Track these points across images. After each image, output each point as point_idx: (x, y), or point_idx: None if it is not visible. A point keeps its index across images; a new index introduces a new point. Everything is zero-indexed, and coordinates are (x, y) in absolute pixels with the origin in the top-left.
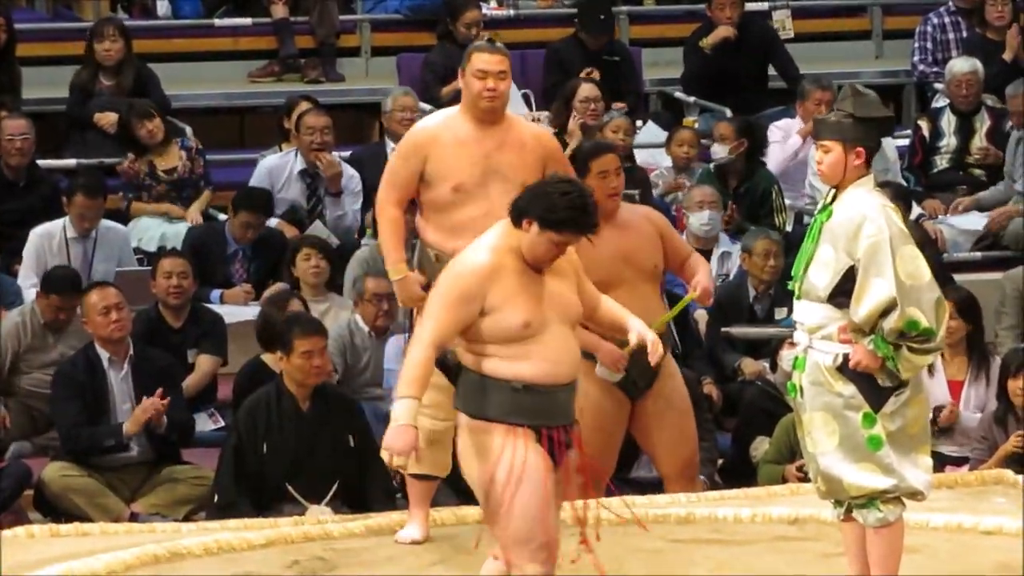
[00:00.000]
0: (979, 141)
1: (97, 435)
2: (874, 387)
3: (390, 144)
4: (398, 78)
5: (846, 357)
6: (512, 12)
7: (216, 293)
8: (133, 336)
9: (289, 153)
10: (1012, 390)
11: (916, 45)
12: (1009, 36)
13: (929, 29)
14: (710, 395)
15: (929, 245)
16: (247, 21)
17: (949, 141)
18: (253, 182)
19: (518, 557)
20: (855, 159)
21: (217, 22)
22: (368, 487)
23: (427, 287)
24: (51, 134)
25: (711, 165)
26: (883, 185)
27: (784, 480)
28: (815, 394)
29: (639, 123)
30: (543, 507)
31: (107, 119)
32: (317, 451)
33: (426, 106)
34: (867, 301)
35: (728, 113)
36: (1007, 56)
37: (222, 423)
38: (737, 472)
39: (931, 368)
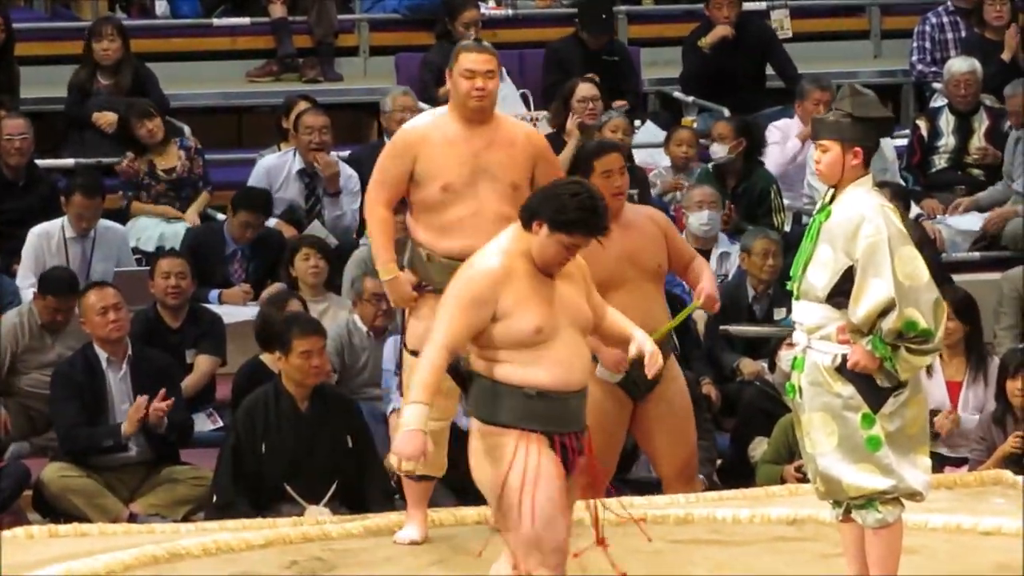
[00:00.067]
0: (977, 141)
1: (96, 435)
2: (873, 388)
3: None
4: (396, 78)
5: (845, 357)
6: (510, 12)
7: (215, 293)
8: (132, 336)
9: (287, 153)
10: (1010, 391)
11: (914, 45)
12: (1008, 36)
13: (927, 29)
14: (709, 395)
15: (928, 245)
16: (245, 21)
17: (947, 141)
18: (251, 182)
19: (529, 561)
20: (853, 159)
21: (215, 21)
22: (366, 487)
23: (418, 287)
24: (49, 134)
25: (710, 165)
26: (881, 185)
27: (783, 480)
28: (814, 394)
29: (637, 123)
30: (556, 512)
31: (105, 119)
32: (316, 451)
33: (425, 106)
34: (865, 301)
35: (726, 113)
36: (1005, 56)
37: (221, 423)
38: (736, 472)
39: (930, 369)
